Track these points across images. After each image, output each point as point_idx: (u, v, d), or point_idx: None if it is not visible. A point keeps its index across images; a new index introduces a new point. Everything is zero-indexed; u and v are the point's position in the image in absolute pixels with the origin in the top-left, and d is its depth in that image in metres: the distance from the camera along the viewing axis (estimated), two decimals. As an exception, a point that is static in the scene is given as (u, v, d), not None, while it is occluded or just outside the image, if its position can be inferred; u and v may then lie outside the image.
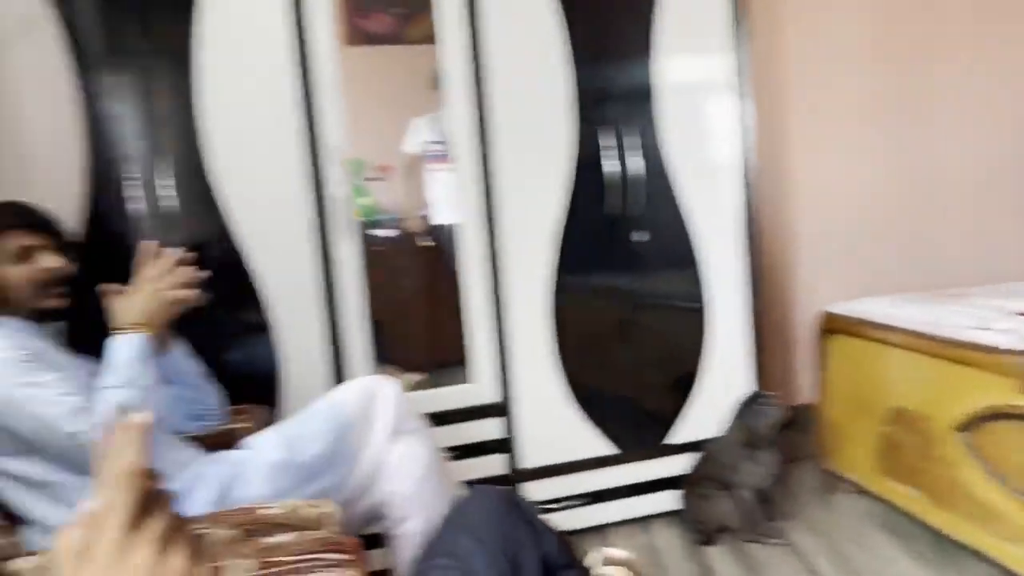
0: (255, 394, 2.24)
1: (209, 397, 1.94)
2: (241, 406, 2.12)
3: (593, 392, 2.60)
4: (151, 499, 0.62)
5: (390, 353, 3.34)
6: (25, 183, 2.07)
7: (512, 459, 2.53)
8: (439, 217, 3.69)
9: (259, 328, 2.29)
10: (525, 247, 2.50)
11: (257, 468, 1.66)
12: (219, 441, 1.90)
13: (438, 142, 3.58)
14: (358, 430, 1.75)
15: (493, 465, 2.50)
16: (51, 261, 1.71)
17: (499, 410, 2.51)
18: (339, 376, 2.34)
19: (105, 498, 0.60)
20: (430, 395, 2.50)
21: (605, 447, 2.63)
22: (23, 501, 1.57)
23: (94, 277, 1.82)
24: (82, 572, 0.59)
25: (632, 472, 2.66)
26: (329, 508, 1.49)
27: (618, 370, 2.63)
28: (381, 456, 1.76)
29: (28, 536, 1.57)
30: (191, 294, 1.67)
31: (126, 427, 0.61)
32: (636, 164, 2.54)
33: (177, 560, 0.61)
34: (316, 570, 1.22)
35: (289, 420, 1.79)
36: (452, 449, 2.04)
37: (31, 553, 1.35)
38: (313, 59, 2.26)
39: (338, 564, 1.24)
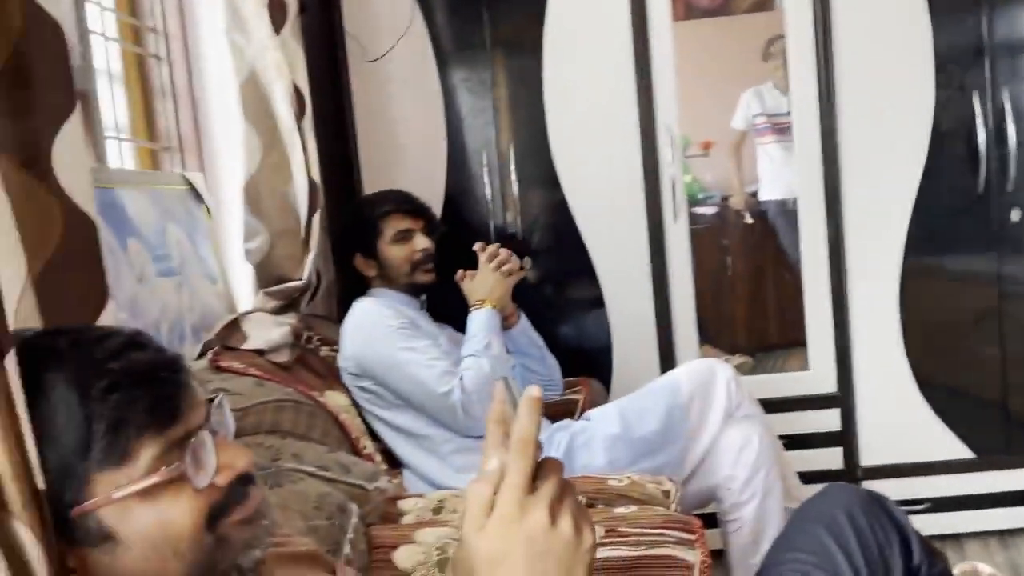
0: (588, 367, 2.32)
1: (549, 368, 2.05)
2: (576, 378, 2.21)
3: (945, 388, 2.34)
4: (543, 466, 0.65)
5: (713, 334, 3.30)
6: (400, 173, 2.32)
7: (850, 454, 2.36)
8: (767, 194, 3.55)
9: (593, 303, 2.36)
10: (871, 225, 2.30)
11: (597, 439, 1.73)
12: (556, 411, 2.00)
13: (768, 115, 3.44)
14: (695, 412, 1.75)
15: (827, 459, 2.35)
16: (423, 243, 1.94)
17: (836, 401, 2.36)
18: (666, 354, 2.35)
19: (504, 461, 0.65)
20: (759, 380, 2.41)
21: (957, 449, 2.36)
22: (403, 449, 1.79)
23: (451, 255, 2.01)
24: (486, 524, 0.64)
25: (989, 480, 2.36)
26: (671, 486, 1.50)
27: (977, 365, 2.34)
28: (716, 439, 1.75)
29: (408, 480, 1.79)
30: (522, 272, 1.93)
31: (526, 399, 0.65)
32: (1012, 132, 2.22)
33: (566, 522, 0.64)
34: (659, 545, 1.23)
35: (627, 396, 1.84)
36: (782, 438, 1.95)
37: (412, 496, 1.53)
38: (650, 36, 2.26)
39: (681, 543, 1.24)
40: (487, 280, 1.88)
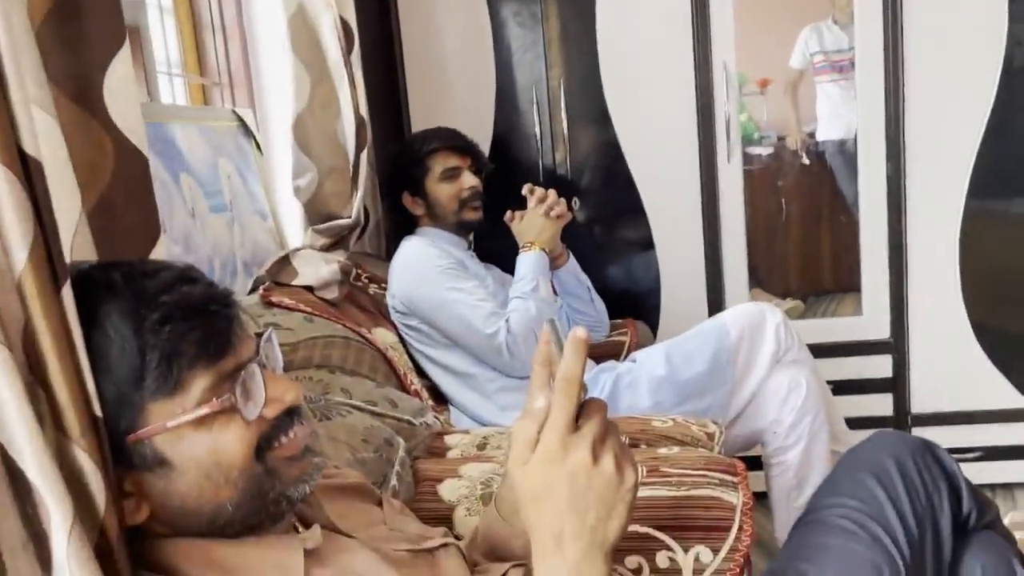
0: (636, 309, 2.31)
1: (596, 310, 2.05)
2: (623, 320, 2.21)
3: (1004, 336, 2.28)
4: (587, 406, 0.66)
5: (764, 277, 3.25)
6: (447, 110, 2.30)
7: (901, 401, 2.33)
8: (825, 133, 3.44)
9: (643, 245, 2.34)
10: (933, 167, 2.22)
11: (642, 380, 1.73)
12: (602, 352, 2.00)
13: (827, 52, 3.31)
14: (742, 355, 1.73)
15: (877, 405, 2.32)
16: (471, 180, 1.95)
17: (888, 347, 2.31)
18: (715, 297, 2.32)
19: (549, 400, 0.66)
20: (810, 325, 2.37)
21: (1012, 398, 2.30)
22: (450, 386, 1.81)
23: (499, 195, 2.00)
24: (530, 460, 0.65)
25: (1046, 431, 2.31)
26: (715, 428, 1.50)
27: (1038, 314, 2.27)
28: (763, 383, 1.74)
29: (454, 416, 1.82)
30: (570, 215, 1.93)
31: (572, 340, 0.65)
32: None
33: (608, 461, 0.65)
34: (702, 486, 1.23)
35: (674, 338, 1.82)
36: (830, 383, 1.92)
37: (457, 431, 1.55)
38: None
39: (723, 484, 1.24)
40: (536, 222, 1.88)
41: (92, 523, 0.64)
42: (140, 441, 0.68)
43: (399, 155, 1.98)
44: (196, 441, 0.68)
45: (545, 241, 1.87)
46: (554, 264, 1.95)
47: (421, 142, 1.95)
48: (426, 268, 1.80)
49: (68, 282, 0.65)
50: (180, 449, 0.68)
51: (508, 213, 1.94)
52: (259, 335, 0.76)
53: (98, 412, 0.65)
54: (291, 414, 0.73)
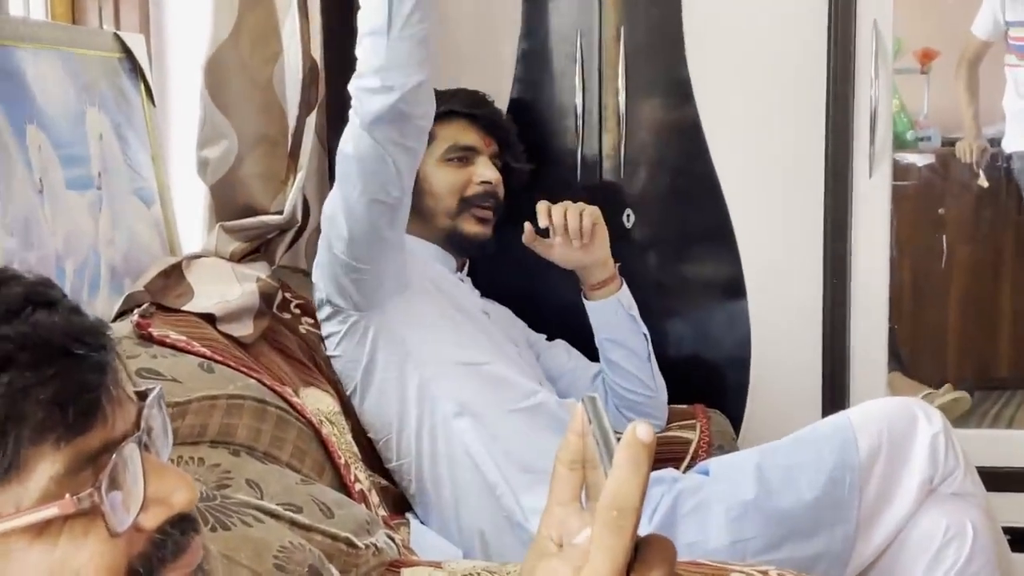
0: (710, 390, 2.31)
1: (654, 385, 2.07)
2: (689, 406, 2.20)
3: None
4: (645, 548, 0.64)
5: (909, 355, 3.24)
6: (443, 63, 2.30)
7: None
8: (1015, 143, 3.47)
9: (727, 291, 2.35)
10: None
11: (716, 504, 1.72)
12: (656, 454, 1.97)
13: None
14: (876, 480, 1.73)
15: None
16: (488, 172, 2.00)
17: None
18: (835, 380, 2.32)
19: (589, 532, 0.63)
20: (979, 437, 2.37)
21: None
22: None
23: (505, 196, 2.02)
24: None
25: None
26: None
27: None
28: (907, 525, 1.73)
29: (417, 534, 1.81)
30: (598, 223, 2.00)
31: (632, 442, 0.63)
32: None
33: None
34: None
35: (769, 444, 1.83)
36: (1009, 533, 1.91)
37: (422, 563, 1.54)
38: None
39: None
40: (570, 258, 1.99)
41: None
42: None
43: None
44: (31, 559, 0.67)
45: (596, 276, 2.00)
46: (596, 291, 2.03)
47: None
48: None
49: None
50: (5, 570, 0.67)
51: (527, 230, 1.98)
52: (140, 395, 0.75)
53: None
54: (181, 525, 0.73)
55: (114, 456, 0.69)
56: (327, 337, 1.90)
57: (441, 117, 1.93)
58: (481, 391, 1.84)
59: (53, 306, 0.70)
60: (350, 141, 1.72)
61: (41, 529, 0.67)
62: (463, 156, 1.99)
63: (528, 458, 1.80)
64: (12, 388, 0.65)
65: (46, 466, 0.66)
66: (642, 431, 0.63)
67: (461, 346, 1.87)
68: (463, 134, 2.00)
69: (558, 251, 1.97)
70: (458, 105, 2.01)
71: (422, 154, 1.77)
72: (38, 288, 0.71)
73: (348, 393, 1.89)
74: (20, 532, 0.66)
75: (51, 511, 0.66)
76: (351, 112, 1.72)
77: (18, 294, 0.69)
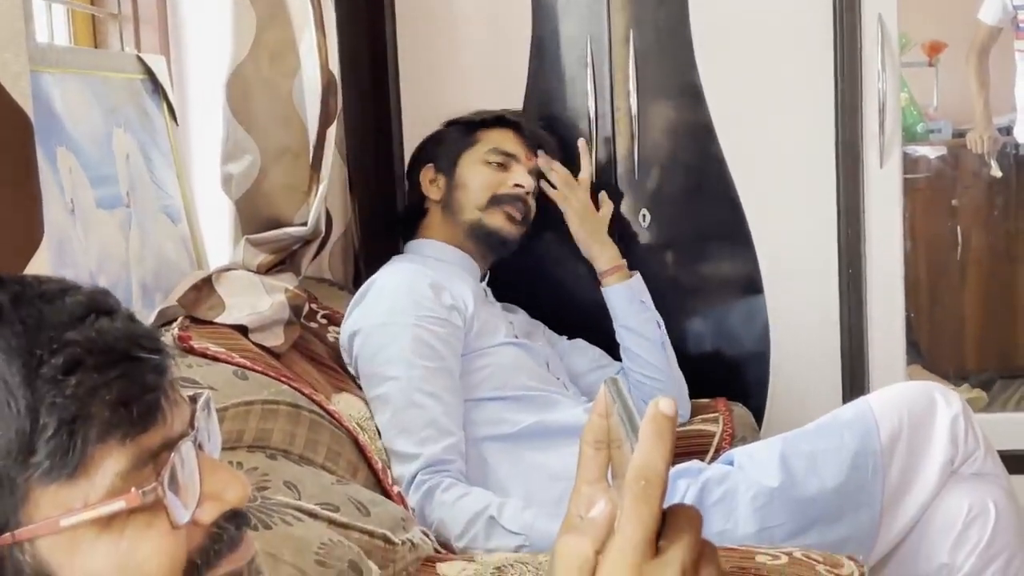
0: (731, 383, 2.33)
1: (671, 374, 2.11)
2: (712, 399, 2.22)
3: None
4: (672, 517, 0.65)
5: (927, 347, 3.23)
6: (456, 69, 2.37)
7: None
8: (1029, 133, 3.47)
9: (745, 287, 2.37)
10: None
11: (742, 494, 1.74)
12: (679, 446, 1.99)
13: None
14: (898, 463, 1.74)
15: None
16: (524, 178, 2.07)
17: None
18: (853, 371, 2.33)
19: (612, 502, 0.64)
20: (998, 421, 2.38)
21: None
22: None
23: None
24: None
25: None
26: (853, 570, 1.51)
27: None
28: (930, 507, 1.75)
29: None
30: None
31: (655, 416, 0.65)
32: None
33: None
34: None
35: (792, 432, 1.83)
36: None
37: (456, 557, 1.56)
38: None
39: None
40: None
41: None
42: (17, 544, 0.68)
43: (450, 122, 2.14)
44: (99, 551, 0.68)
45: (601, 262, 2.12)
46: (607, 277, 2.14)
47: (484, 112, 2.13)
48: (399, 302, 1.86)
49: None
50: (75, 562, 0.68)
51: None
52: (192, 399, 0.77)
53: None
54: (234, 520, 0.75)
55: (173, 453, 0.70)
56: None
57: (491, 123, 2.08)
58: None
59: (113, 313, 0.71)
60: None
61: (107, 523, 0.68)
62: (503, 161, 2.06)
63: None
64: (81, 389, 0.66)
65: (112, 463, 0.67)
66: (664, 404, 0.63)
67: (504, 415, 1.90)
68: (508, 141, 2.08)
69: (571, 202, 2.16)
70: (510, 114, 2.11)
71: None
72: (98, 297, 0.72)
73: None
74: (88, 525, 0.67)
75: (118, 505, 0.67)
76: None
77: (81, 303, 0.70)
